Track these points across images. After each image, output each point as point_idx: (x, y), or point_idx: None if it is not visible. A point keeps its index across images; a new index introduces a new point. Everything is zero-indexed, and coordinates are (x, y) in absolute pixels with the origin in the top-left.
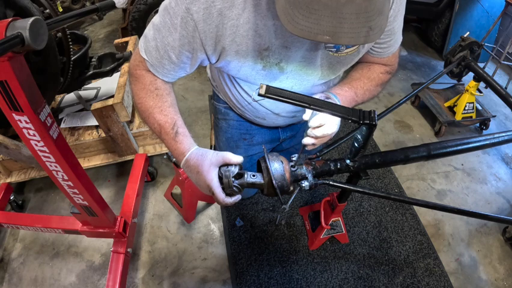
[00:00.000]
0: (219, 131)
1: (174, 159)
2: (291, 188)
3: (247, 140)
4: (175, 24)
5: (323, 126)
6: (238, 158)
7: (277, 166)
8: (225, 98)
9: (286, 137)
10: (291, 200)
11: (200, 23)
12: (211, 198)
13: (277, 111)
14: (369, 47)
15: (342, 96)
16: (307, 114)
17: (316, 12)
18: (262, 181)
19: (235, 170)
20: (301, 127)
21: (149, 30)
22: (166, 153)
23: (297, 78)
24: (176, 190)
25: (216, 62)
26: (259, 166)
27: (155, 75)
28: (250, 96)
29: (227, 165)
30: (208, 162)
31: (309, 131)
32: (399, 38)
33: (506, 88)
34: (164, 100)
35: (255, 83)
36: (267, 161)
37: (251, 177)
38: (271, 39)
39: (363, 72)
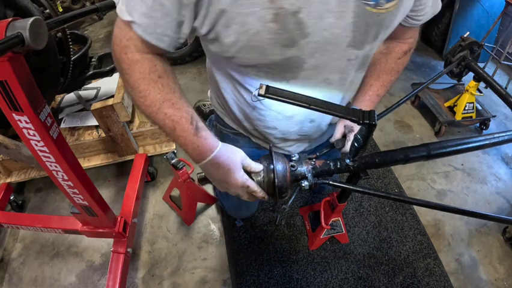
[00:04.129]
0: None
1: (173, 161)
2: (289, 191)
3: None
4: None
5: None
6: (259, 167)
7: (280, 167)
8: (233, 121)
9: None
10: (291, 200)
11: None
12: (210, 200)
13: (290, 114)
14: (406, 8)
15: (366, 107)
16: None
17: None
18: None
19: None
20: (317, 147)
21: None
22: (166, 154)
23: (321, 45)
24: (175, 192)
25: (208, 21)
26: None
27: (153, 58)
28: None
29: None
30: (239, 161)
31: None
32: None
33: (506, 88)
34: (173, 90)
35: (264, 54)
36: (274, 161)
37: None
38: None
39: (380, 66)
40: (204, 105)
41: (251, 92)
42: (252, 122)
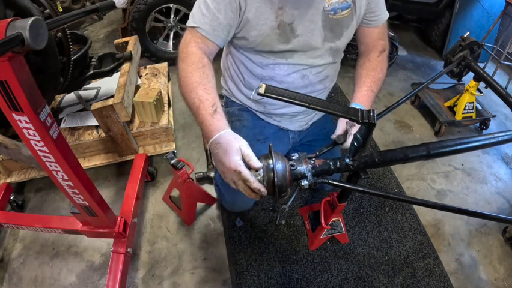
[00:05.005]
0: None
1: (173, 162)
2: (289, 190)
3: (260, 140)
4: None
5: None
6: (257, 163)
7: (280, 166)
8: (241, 100)
9: (297, 140)
10: (290, 201)
11: None
12: (210, 200)
13: (287, 83)
14: (361, 12)
15: (365, 101)
16: (344, 139)
17: None
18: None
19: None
20: (312, 129)
21: (195, 8)
22: (166, 154)
23: (306, 41)
24: (174, 193)
25: (239, 26)
26: None
27: (203, 55)
28: (264, 71)
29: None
30: (238, 146)
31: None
32: (384, 9)
33: (506, 88)
34: (209, 80)
35: (272, 47)
36: (274, 160)
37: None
38: (285, 1)
39: (365, 66)
40: (221, 105)
41: (260, 74)
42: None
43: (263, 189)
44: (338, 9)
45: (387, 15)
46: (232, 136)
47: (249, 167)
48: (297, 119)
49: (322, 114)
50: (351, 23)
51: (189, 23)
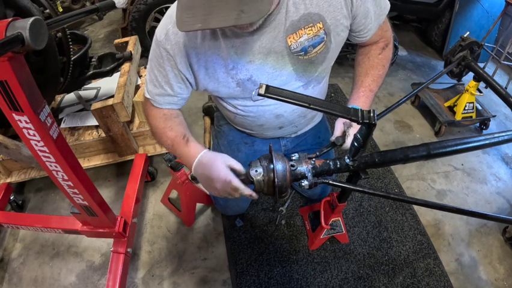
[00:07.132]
0: (220, 136)
1: (171, 163)
2: (289, 191)
3: (248, 144)
4: (161, 64)
5: None
6: (242, 170)
7: (280, 166)
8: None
9: (289, 148)
10: (288, 202)
11: (176, 57)
12: (209, 200)
13: (260, 123)
14: (341, 38)
15: (363, 102)
16: (343, 141)
17: (192, 8)
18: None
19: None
20: (305, 138)
21: (147, 75)
22: (164, 155)
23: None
24: (173, 194)
25: (197, 88)
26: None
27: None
28: (236, 111)
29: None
30: (221, 159)
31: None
32: (378, 11)
33: (506, 88)
34: (173, 121)
35: (238, 98)
36: (274, 161)
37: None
38: (234, 59)
39: (365, 64)
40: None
41: (234, 112)
42: (237, 124)
43: (254, 195)
44: (309, 47)
45: (383, 14)
46: (212, 153)
47: (238, 175)
48: (280, 133)
49: (313, 124)
50: (327, 55)
51: (144, 91)
